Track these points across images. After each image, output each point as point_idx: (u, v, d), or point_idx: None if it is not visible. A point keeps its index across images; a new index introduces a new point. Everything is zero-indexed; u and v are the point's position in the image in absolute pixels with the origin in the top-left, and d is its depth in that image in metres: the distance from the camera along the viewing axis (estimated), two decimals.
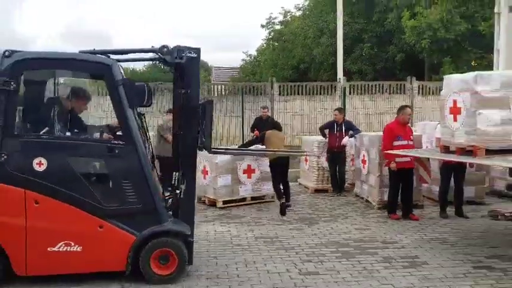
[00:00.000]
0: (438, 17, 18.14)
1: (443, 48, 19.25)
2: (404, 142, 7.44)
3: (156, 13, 62.72)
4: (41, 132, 4.82)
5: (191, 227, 5.11)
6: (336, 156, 9.49)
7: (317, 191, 9.95)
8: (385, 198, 8.20)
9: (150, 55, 5.43)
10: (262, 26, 30.53)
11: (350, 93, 16.10)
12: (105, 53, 5.05)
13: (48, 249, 4.65)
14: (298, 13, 29.15)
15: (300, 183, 10.88)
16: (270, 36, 30.39)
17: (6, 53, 4.60)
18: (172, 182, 5.27)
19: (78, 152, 4.89)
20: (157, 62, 5.34)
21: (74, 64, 4.96)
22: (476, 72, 5.61)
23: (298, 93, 16.37)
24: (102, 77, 4.98)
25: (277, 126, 9.11)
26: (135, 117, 4.91)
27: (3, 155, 4.57)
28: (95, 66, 4.87)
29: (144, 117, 5.21)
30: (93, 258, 4.75)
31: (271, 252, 5.95)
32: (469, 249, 5.95)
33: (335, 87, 16.17)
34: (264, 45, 31.49)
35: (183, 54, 4.95)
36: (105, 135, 5.26)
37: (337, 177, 9.67)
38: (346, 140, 9.39)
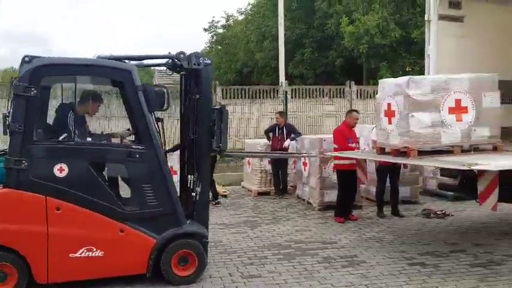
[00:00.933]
0: (375, 24, 18.84)
1: (379, 54, 20.01)
2: (353, 145, 7.64)
3: (96, 17, 62.08)
4: (61, 138, 4.82)
5: (206, 228, 5.28)
6: (278, 159, 9.59)
7: (260, 193, 10.01)
8: (326, 199, 8.41)
9: (161, 61, 5.50)
10: (205, 30, 30.49)
11: (292, 97, 16.34)
12: (121, 58, 5.11)
13: (70, 255, 4.63)
14: (241, 17, 29.34)
15: (243, 187, 10.90)
16: (213, 40, 30.36)
17: (26, 59, 4.57)
18: (188, 185, 5.41)
19: (99, 157, 4.93)
20: (168, 67, 5.46)
21: (95, 70, 4.98)
22: (408, 77, 5.83)
23: (241, 97, 16.41)
24: (122, 82, 4.92)
25: None
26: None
27: (23, 161, 4.51)
28: (115, 72, 4.90)
29: (162, 122, 5.32)
30: (115, 262, 4.78)
31: (214, 256, 5.90)
32: (403, 247, 6.20)
33: (277, 91, 16.36)
34: (207, 48, 31.42)
35: (201, 61, 5.11)
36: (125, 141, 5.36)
37: (280, 179, 9.79)
38: (287, 143, 9.52)
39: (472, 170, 4.99)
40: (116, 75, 4.93)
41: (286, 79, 17.04)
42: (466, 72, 5.91)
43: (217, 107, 5.46)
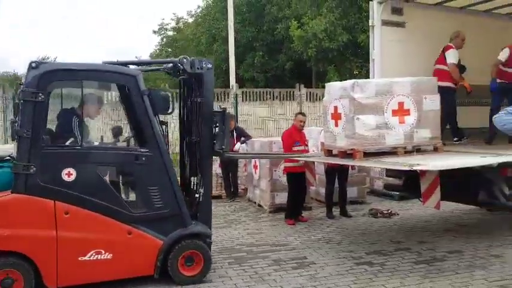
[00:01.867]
0: (323, 28, 19.20)
1: (328, 57, 20.42)
2: (302, 147, 7.69)
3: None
4: (68, 143, 4.89)
5: (209, 228, 5.39)
6: (229, 162, 9.56)
7: (212, 197, 9.90)
8: (276, 201, 8.46)
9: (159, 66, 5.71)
10: (154, 32, 30.09)
11: (243, 100, 16.37)
12: (127, 63, 5.27)
13: (79, 258, 4.69)
14: (191, 20, 29.15)
15: None
16: (163, 42, 29.98)
17: (33, 65, 4.62)
18: (192, 187, 5.52)
19: (106, 160, 5.02)
20: (168, 72, 5.62)
21: (101, 75, 5.12)
22: (353, 80, 5.94)
23: None
24: (127, 87, 4.98)
25: None
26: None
27: (32, 167, 4.54)
28: (121, 77, 4.99)
29: (166, 125, 5.49)
30: (123, 264, 4.85)
31: None
32: (352, 247, 6.33)
33: (228, 93, 16.35)
34: (157, 51, 31.00)
35: (203, 65, 5.26)
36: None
37: (230, 182, 9.76)
38: (238, 146, 9.52)
39: (414, 171, 5.16)
40: (121, 80, 5.01)
41: (237, 82, 17.06)
42: (409, 75, 6.11)
43: (219, 110, 5.58)
